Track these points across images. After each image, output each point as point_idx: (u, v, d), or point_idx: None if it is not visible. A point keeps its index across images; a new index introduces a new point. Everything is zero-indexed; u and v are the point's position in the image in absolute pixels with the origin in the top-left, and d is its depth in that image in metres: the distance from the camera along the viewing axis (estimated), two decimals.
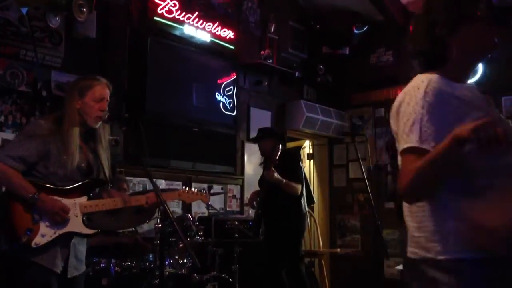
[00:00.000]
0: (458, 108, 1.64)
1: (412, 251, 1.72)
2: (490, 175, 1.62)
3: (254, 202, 4.84)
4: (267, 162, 4.57)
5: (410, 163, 1.60)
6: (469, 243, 1.59)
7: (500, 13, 1.83)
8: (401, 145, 1.65)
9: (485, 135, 1.45)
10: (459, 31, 1.71)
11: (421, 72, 1.76)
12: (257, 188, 4.98)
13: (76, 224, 2.56)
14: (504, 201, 1.59)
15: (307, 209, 4.96)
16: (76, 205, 2.58)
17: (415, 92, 1.66)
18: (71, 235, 2.57)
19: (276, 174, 4.45)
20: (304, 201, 4.81)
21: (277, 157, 4.51)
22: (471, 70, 1.80)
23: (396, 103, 1.74)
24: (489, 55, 1.81)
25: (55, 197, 2.52)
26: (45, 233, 2.47)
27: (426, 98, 1.63)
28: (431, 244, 1.65)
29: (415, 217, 1.71)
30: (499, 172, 1.62)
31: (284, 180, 4.49)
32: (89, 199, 2.63)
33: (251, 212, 5.35)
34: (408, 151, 1.62)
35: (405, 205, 1.76)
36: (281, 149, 4.62)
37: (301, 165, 5.01)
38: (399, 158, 1.71)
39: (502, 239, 1.56)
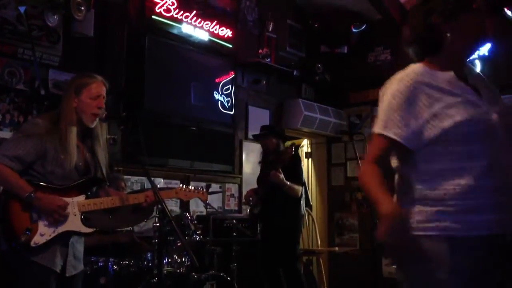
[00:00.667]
0: (429, 94, 1.74)
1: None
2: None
3: (250, 198, 4.85)
4: (275, 162, 4.56)
5: (376, 147, 1.80)
6: (430, 222, 1.70)
7: (496, 2, 1.93)
8: (373, 128, 1.83)
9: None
10: (454, 20, 1.78)
11: (415, 59, 1.86)
12: (256, 186, 4.99)
13: (74, 223, 2.56)
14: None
15: (304, 210, 4.97)
16: (74, 204, 2.57)
17: (393, 82, 1.81)
18: (70, 234, 2.57)
19: (281, 176, 4.46)
20: (303, 202, 4.82)
21: (287, 159, 4.53)
22: (464, 60, 1.87)
23: (381, 91, 1.87)
24: (481, 46, 1.92)
25: (53, 195, 2.52)
26: (44, 232, 2.47)
27: (398, 88, 1.77)
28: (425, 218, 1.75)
29: (396, 194, 1.87)
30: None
31: (288, 184, 4.50)
32: (87, 197, 2.63)
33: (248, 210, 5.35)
34: (376, 134, 1.80)
35: None
36: (293, 152, 4.64)
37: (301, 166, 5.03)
38: None
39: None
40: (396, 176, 1.88)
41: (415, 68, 1.81)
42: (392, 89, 1.79)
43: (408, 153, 1.78)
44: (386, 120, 1.77)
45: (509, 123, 1.76)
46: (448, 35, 1.78)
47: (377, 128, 1.79)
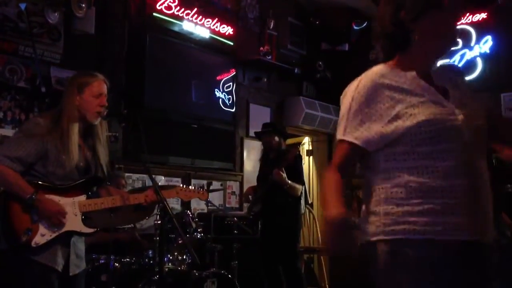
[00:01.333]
0: (390, 96, 1.68)
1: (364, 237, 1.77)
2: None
3: (250, 197, 4.85)
4: (279, 161, 4.56)
5: (338, 154, 1.77)
6: (398, 225, 1.64)
7: None
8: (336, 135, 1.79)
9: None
10: (423, 18, 1.70)
11: (382, 56, 1.81)
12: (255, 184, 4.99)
13: (75, 223, 2.56)
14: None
15: (304, 208, 4.97)
16: (75, 204, 2.57)
17: (353, 84, 1.76)
18: (71, 234, 2.57)
19: (284, 176, 4.46)
20: (303, 200, 4.82)
21: (291, 158, 4.53)
22: (432, 59, 1.78)
23: (341, 96, 1.82)
24: (450, 47, 1.80)
25: (54, 197, 2.52)
26: (44, 233, 2.47)
27: (358, 90, 1.72)
28: (366, 225, 1.73)
29: (362, 201, 1.83)
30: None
31: (289, 183, 4.50)
32: (88, 197, 2.62)
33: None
34: (337, 140, 1.76)
35: None
36: (297, 152, 4.64)
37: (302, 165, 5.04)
38: None
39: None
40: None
41: (376, 70, 1.75)
42: (351, 92, 1.73)
43: (369, 155, 1.73)
44: (345, 125, 1.72)
45: (478, 126, 1.68)
46: (416, 32, 1.70)
47: (338, 134, 1.74)
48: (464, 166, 1.63)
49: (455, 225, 1.60)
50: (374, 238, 1.68)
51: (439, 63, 1.86)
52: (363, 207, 1.78)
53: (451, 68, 1.85)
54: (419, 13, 1.70)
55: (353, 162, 1.80)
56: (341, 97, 1.81)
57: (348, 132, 1.71)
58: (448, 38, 1.74)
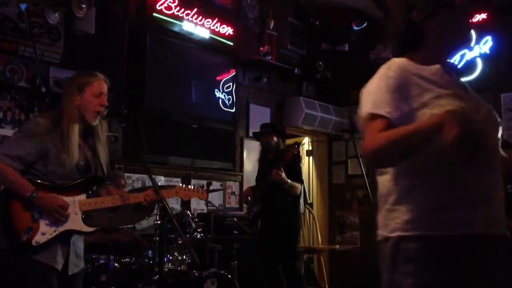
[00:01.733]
0: (418, 84, 1.66)
1: (377, 233, 1.75)
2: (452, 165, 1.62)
3: (249, 197, 4.85)
4: (278, 161, 4.56)
5: (373, 130, 1.62)
6: (420, 221, 1.62)
7: None
8: (360, 117, 1.69)
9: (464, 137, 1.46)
10: (435, 17, 1.71)
11: (394, 55, 1.78)
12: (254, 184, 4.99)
13: (75, 222, 2.56)
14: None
15: (303, 208, 4.98)
16: (75, 203, 2.58)
17: (378, 72, 1.71)
18: (71, 233, 2.57)
19: (283, 175, 4.46)
20: (302, 200, 4.83)
21: (290, 157, 4.53)
22: (444, 58, 1.78)
23: (361, 93, 1.76)
24: (463, 46, 1.82)
25: (54, 194, 2.52)
26: (45, 231, 2.47)
27: (385, 73, 1.67)
28: (387, 222, 1.69)
29: (381, 198, 1.75)
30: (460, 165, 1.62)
31: (288, 182, 4.50)
32: (88, 196, 2.63)
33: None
34: (366, 118, 1.65)
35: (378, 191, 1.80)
36: (296, 152, 4.64)
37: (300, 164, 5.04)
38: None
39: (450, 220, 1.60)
40: (379, 176, 1.76)
41: (400, 60, 1.72)
42: (382, 76, 1.68)
43: None
44: (375, 100, 1.65)
45: (492, 122, 1.70)
46: (428, 32, 1.72)
47: (367, 108, 1.65)
48: (483, 160, 1.62)
49: (469, 219, 1.60)
50: (395, 234, 1.66)
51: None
52: (382, 202, 1.74)
53: (452, 67, 1.86)
54: (431, 12, 1.71)
55: None
56: (362, 92, 1.73)
57: (379, 106, 1.63)
58: (460, 37, 1.76)
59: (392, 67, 1.68)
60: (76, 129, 2.59)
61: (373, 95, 1.66)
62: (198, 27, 5.43)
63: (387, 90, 1.64)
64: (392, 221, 1.68)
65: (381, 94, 1.64)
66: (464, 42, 1.80)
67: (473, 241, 1.61)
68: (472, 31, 1.81)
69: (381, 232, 1.72)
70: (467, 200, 1.61)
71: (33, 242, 2.43)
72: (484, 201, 1.63)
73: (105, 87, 2.69)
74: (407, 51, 1.76)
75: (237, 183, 5.96)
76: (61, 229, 2.52)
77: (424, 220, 1.63)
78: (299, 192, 4.71)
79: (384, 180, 1.74)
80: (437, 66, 1.73)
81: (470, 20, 1.76)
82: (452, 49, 1.79)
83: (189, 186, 3.08)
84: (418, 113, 1.63)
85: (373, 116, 1.63)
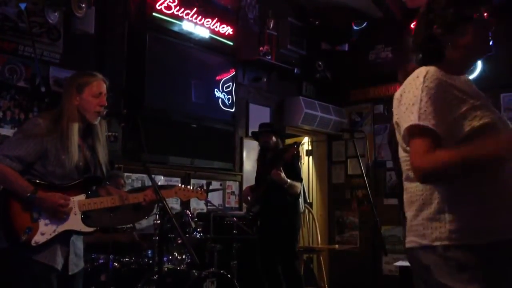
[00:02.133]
0: (455, 95, 1.69)
1: (409, 240, 1.76)
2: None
3: (248, 197, 4.85)
4: (277, 160, 4.56)
5: (425, 145, 1.63)
6: (466, 230, 1.64)
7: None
8: (402, 127, 1.70)
9: None
10: (455, 31, 1.76)
11: (419, 66, 1.80)
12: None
13: (75, 222, 2.56)
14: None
15: (303, 207, 4.97)
16: (74, 203, 2.58)
17: (415, 80, 1.71)
18: (71, 233, 2.57)
19: (282, 175, 4.46)
20: (301, 199, 4.82)
21: (289, 157, 4.53)
22: (466, 68, 1.84)
23: (397, 94, 1.79)
24: (483, 57, 1.86)
25: (54, 193, 2.52)
26: (44, 232, 2.47)
27: (425, 84, 1.68)
28: (428, 230, 1.69)
29: (414, 205, 1.75)
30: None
31: (288, 182, 4.50)
32: (87, 197, 2.63)
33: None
34: (413, 130, 1.66)
35: (405, 196, 1.80)
36: (295, 151, 4.64)
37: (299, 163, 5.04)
38: (400, 149, 1.79)
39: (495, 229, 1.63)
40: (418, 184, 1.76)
41: (434, 70, 1.72)
42: (419, 84, 1.69)
43: None
44: (420, 112, 1.64)
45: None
46: (449, 46, 1.77)
47: (413, 119, 1.65)
48: None
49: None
50: (439, 243, 1.66)
51: None
52: (417, 210, 1.73)
53: None
54: (450, 27, 1.76)
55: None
56: (400, 96, 1.75)
57: (424, 118, 1.63)
58: (479, 49, 1.79)
59: (429, 77, 1.69)
60: (75, 129, 2.59)
61: (417, 106, 1.66)
62: (198, 26, 5.43)
63: (431, 101, 1.65)
64: (435, 230, 1.68)
65: (425, 105, 1.65)
66: (483, 54, 1.84)
67: None
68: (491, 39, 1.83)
69: (418, 240, 1.71)
70: (510, 207, 1.65)
71: (33, 242, 2.43)
72: None
73: (104, 87, 2.69)
74: (429, 64, 1.77)
75: (237, 183, 5.96)
76: (61, 229, 2.52)
77: (471, 229, 1.64)
78: (299, 191, 4.71)
79: (417, 187, 1.74)
80: (466, 77, 1.78)
81: (490, 31, 1.79)
82: (472, 61, 1.84)
83: (188, 187, 3.08)
84: (459, 124, 1.67)
85: (421, 130, 1.64)
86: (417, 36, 1.85)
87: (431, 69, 1.73)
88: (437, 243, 1.66)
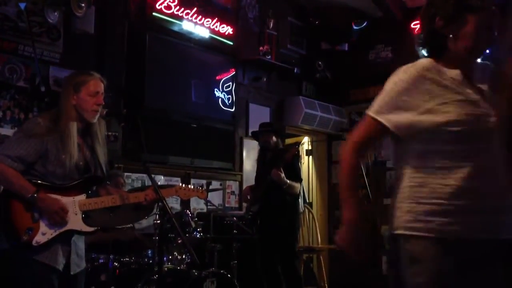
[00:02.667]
0: (430, 89, 1.73)
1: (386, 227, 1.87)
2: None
3: (248, 196, 4.85)
4: (278, 161, 4.56)
5: (361, 131, 1.81)
6: (419, 222, 1.71)
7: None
8: (368, 110, 1.83)
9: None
10: (456, 22, 1.76)
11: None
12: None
13: (76, 222, 2.56)
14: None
15: (303, 207, 4.97)
16: (75, 203, 2.58)
17: (399, 71, 1.81)
18: (71, 233, 2.57)
19: (282, 175, 4.46)
20: (301, 199, 4.82)
21: (290, 158, 4.53)
22: (469, 60, 1.83)
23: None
24: (485, 47, 1.84)
25: (54, 195, 2.52)
26: (45, 232, 2.47)
27: (401, 77, 1.77)
28: (393, 218, 1.79)
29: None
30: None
31: (287, 182, 4.50)
32: (87, 196, 2.63)
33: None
34: (369, 117, 1.80)
35: None
36: (296, 152, 4.65)
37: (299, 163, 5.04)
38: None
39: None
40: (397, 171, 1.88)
41: (423, 62, 1.80)
42: (396, 78, 1.79)
43: (403, 147, 1.79)
44: (381, 105, 1.78)
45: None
46: (451, 37, 1.77)
47: (371, 111, 1.79)
48: (492, 168, 1.67)
49: (472, 224, 1.65)
50: (396, 232, 1.75)
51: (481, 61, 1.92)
52: (392, 200, 1.84)
53: (484, 65, 1.90)
54: (450, 18, 1.76)
55: (374, 143, 1.86)
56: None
57: (382, 112, 1.77)
58: (481, 39, 1.78)
59: (409, 70, 1.77)
60: (74, 128, 2.59)
61: (381, 99, 1.79)
62: (197, 26, 5.43)
63: (395, 96, 1.75)
64: (397, 219, 1.76)
65: (387, 100, 1.77)
66: (486, 43, 1.82)
67: (475, 245, 1.65)
68: (495, 30, 1.83)
69: (388, 228, 1.81)
70: (476, 207, 1.66)
71: (34, 242, 2.43)
72: (489, 208, 1.66)
73: (101, 86, 2.69)
74: (435, 57, 1.82)
75: (237, 182, 5.96)
76: (62, 229, 2.52)
77: (423, 222, 1.69)
78: (298, 192, 4.71)
79: (402, 178, 1.81)
80: (457, 71, 1.78)
81: (493, 21, 1.79)
82: (476, 52, 1.82)
83: (189, 186, 3.08)
84: (422, 118, 1.71)
85: (373, 119, 1.78)
86: (422, 31, 1.87)
87: (420, 61, 1.80)
88: (396, 232, 1.75)
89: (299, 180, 4.74)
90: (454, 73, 1.77)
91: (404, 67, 1.80)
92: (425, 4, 1.86)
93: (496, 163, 1.68)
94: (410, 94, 1.73)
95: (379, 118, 1.76)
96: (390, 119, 1.75)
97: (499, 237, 1.66)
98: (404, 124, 1.73)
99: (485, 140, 1.68)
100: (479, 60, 1.90)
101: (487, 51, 1.87)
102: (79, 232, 2.60)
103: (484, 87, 1.79)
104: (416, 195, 1.73)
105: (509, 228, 1.68)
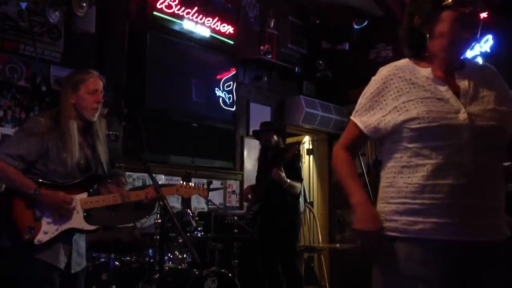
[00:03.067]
0: (398, 88, 1.75)
1: None
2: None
3: (249, 196, 4.85)
4: (278, 160, 4.56)
5: (345, 134, 1.90)
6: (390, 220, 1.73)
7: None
8: None
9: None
10: (432, 20, 1.74)
11: (409, 57, 1.86)
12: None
13: (77, 220, 2.57)
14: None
15: (303, 207, 4.97)
16: (77, 201, 2.58)
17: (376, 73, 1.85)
18: (73, 231, 2.58)
19: (283, 175, 4.46)
20: (301, 198, 4.82)
21: (290, 157, 4.53)
22: (447, 58, 1.77)
23: None
24: (466, 47, 1.79)
25: (57, 191, 2.53)
26: (47, 230, 2.48)
27: (375, 78, 1.83)
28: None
29: None
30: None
31: (288, 181, 4.51)
32: (89, 195, 2.64)
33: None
34: (350, 120, 1.88)
35: None
36: (297, 151, 4.65)
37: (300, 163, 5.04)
38: None
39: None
40: None
41: (397, 62, 1.83)
42: (372, 78, 1.84)
43: (381, 148, 1.84)
44: (357, 107, 1.85)
45: (487, 126, 1.66)
46: (427, 36, 1.76)
47: (352, 114, 1.87)
48: (456, 165, 1.63)
49: (436, 224, 1.62)
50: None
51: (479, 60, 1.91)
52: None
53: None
54: (428, 16, 1.75)
55: (358, 144, 1.90)
56: None
57: (358, 114, 1.83)
58: (457, 37, 1.72)
59: (381, 72, 1.82)
60: (74, 127, 2.60)
61: (359, 101, 1.85)
62: (198, 25, 5.43)
63: (368, 98, 1.81)
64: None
65: (363, 102, 1.84)
66: (463, 43, 1.75)
67: (455, 246, 1.63)
68: (475, 30, 1.77)
69: None
70: (442, 206, 1.64)
71: (36, 241, 2.44)
72: (463, 207, 1.63)
73: (100, 84, 2.69)
74: (414, 56, 1.83)
75: (238, 182, 5.96)
76: (63, 227, 2.53)
77: (392, 220, 1.71)
78: (298, 191, 4.71)
79: (381, 179, 1.87)
80: (428, 69, 1.77)
81: (473, 20, 1.72)
82: (453, 51, 1.76)
83: (190, 184, 3.08)
84: (388, 117, 1.73)
85: (351, 124, 1.86)
86: (402, 29, 1.87)
87: (397, 62, 1.83)
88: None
89: (300, 179, 4.75)
90: (426, 71, 1.76)
91: (380, 68, 1.84)
92: (409, 1, 1.86)
93: (466, 161, 1.62)
94: (381, 94, 1.77)
95: (354, 119, 1.84)
96: (362, 120, 1.81)
97: (469, 239, 1.61)
98: (374, 124, 1.78)
99: (453, 137, 1.63)
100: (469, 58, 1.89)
101: (469, 50, 1.86)
102: (81, 231, 2.60)
103: (467, 84, 1.74)
104: (386, 195, 1.76)
105: (483, 229, 1.63)
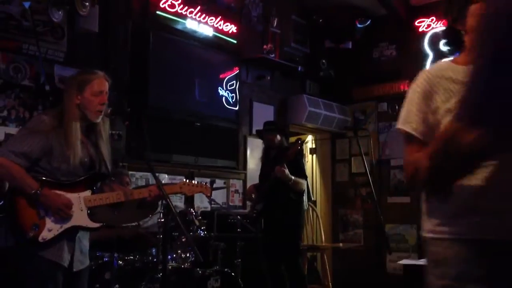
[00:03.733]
0: (447, 89, 1.70)
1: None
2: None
3: (252, 195, 4.85)
4: (281, 158, 4.56)
5: (406, 152, 1.71)
6: (438, 224, 1.69)
7: None
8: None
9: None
10: (464, 16, 1.73)
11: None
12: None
13: (81, 218, 2.57)
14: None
15: (307, 205, 4.97)
16: (80, 199, 2.59)
17: (414, 79, 1.78)
18: (77, 229, 2.58)
19: (287, 172, 4.46)
20: (305, 197, 4.82)
21: (293, 154, 4.53)
22: None
23: None
24: None
25: (59, 192, 2.53)
26: (51, 228, 2.48)
27: (417, 83, 1.75)
28: (422, 221, 1.78)
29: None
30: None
31: (293, 178, 4.50)
32: (93, 193, 2.64)
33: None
34: (400, 131, 1.74)
35: None
36: (299, 148, 4.64)
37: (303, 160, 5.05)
38: None
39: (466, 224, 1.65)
40: None
41: (439, 63, 1.79)
42: (413, 84, 1.76)
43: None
44: (405, 115, 1.74)
45: None
46: (462, 32, 1.75)
47: (399, 123, 1.75)
48: (504, 166, 1.61)
49: (481, 225, 1.61)
50: (424, 235, 1.75)
51: None
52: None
53: None
54: (459, 12, 1.74)
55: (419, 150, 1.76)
56: None
57: (406, 122, 1.72)
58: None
59: (419, 78, 1.76)
60: (77, 127, 2.60)
61: (404, 109, 1.75)
62: (201, 25, 5.43)
63: (415, 103, 1.72)
64: (424, 222, 1.75)
65: (410, 108, 1.73)
66: None
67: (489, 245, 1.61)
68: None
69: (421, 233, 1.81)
70: (482, 208, 1.62)
71: (40, 239, 2.45)
72: (499, 209, 1.62)
73: (105, 85, 2.69)
74: (456, 53, 1.80)
75: (241, 181, 5.96)
76: (67, 225, 2.53)
77: (441, 224, 1.68)
78: (304, 188, 4.70)
79: None
80: (470, 67, 1.74)
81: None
82: None
83: (193, 181, 3.08)
84: (443, 121, 1.65)
85: (405, 137, 1.72)
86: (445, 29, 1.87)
87: (435, 65, 1.78)
88: (424, 234, 1.74)
89: (304, 176, 4.74)
90: (468, 68, 1.74)
91: (420, 72, 1.77)
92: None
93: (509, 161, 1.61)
94: (429, 97, 1.70)
95: (405, 128, 1.72)
96: (415, 128, 1.71)
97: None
98: (430, 129, 1.69)
99: None
100: None
101: None
102: (85, 228, 2.61)
103: None
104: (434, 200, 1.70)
105: None
